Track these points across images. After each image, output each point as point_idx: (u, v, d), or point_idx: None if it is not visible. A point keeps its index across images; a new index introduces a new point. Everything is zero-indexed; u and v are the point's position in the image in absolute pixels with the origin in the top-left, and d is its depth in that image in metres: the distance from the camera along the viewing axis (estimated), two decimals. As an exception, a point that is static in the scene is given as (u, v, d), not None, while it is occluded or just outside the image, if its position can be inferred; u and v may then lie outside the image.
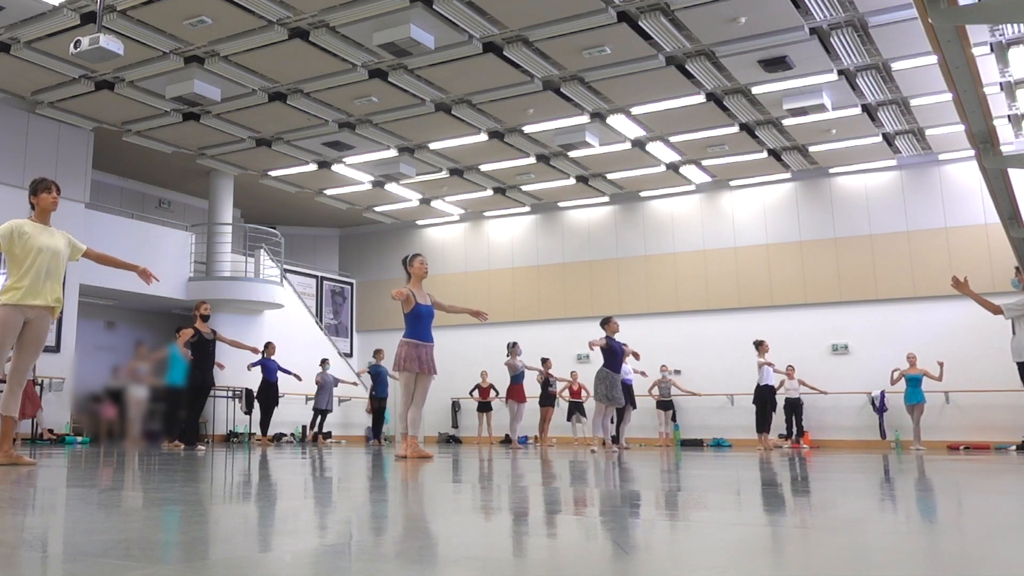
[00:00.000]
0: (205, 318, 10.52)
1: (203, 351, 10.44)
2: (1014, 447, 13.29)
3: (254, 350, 11.54)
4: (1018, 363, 7.89)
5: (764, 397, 13.46)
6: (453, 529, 2.52)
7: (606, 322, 11.52)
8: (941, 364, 13.49)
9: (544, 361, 14.82)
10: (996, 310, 7.90)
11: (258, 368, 14.15)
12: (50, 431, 13.09)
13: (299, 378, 14.46)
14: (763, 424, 13.50)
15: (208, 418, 13.89)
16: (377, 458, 8.18)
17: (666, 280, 17.51)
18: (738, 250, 17.00)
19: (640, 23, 10.40)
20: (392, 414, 16.30)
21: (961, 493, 4.07)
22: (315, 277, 20.13)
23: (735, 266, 16.94)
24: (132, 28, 10.50)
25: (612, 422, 12.52)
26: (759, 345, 13.62)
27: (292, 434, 16.78)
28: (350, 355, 20.29)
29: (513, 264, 19.18)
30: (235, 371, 13.91)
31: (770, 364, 13.64)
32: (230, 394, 14.73)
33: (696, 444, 16.14)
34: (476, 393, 16.90)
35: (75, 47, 8.65)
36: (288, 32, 10.72)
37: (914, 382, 13.81)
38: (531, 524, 2.66)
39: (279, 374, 14.23)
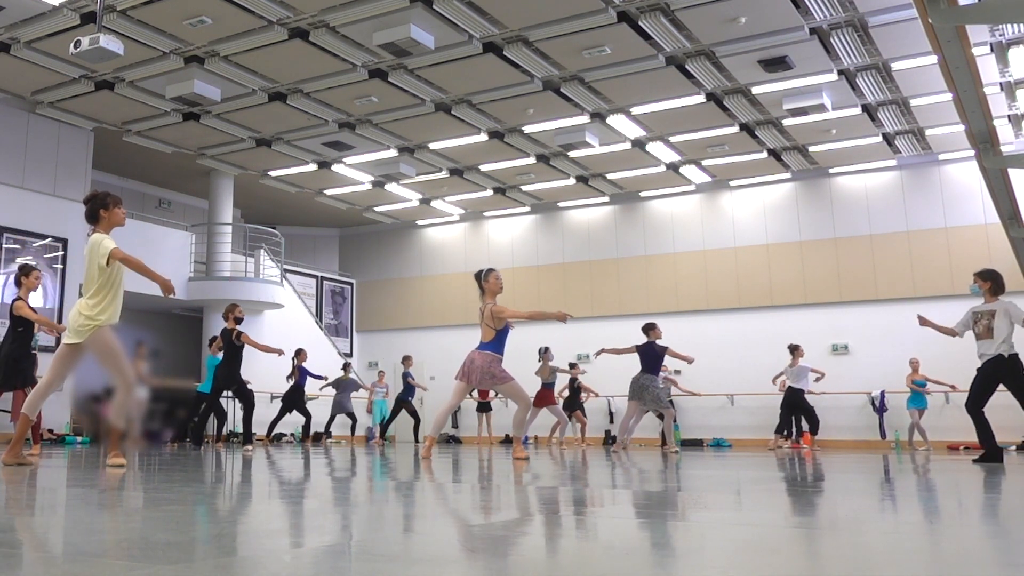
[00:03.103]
0: (238, 320, 10.68)
1: (233, 351, 10.70)
2: (1014, 447, 13.26)
3: (279, 352, 11.10)
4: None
5: (797, 399, 13.11)
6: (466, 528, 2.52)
7: (651, 328, 11.17)
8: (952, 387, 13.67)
9: (573, 366, 14.74)
10: (952, 333, 8.40)
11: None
12: (50, 431, 13.09)
13: (324, 377, 14.63)
14: (813, 426, 13.26)
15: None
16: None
17: (666, 280, 17.50)
18: (738, 250, 16.99)
19: (640, 23, 10.39)
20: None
21: (961, 493, 4.07)
22: (315, 277, 20.12)
23: (735, 266, 16.94)
24: (132, 28, 10.50)
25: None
26: (795, 349, 13.26)
27: (292, 434, 16.77)
28: (350, 355, 20.27)
29: (513, 264, 19.16)
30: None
31: (809, 369, 13.34)
32: (230, 395, 14.66)
33: (696, 444, 16.14)
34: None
35: (75, 47, 8.64)
36: (288, 32, 10.72)
37: (918, 386, 13.76)
38: (533, 524, 2.66)
39: (307, 378, 14.28)
